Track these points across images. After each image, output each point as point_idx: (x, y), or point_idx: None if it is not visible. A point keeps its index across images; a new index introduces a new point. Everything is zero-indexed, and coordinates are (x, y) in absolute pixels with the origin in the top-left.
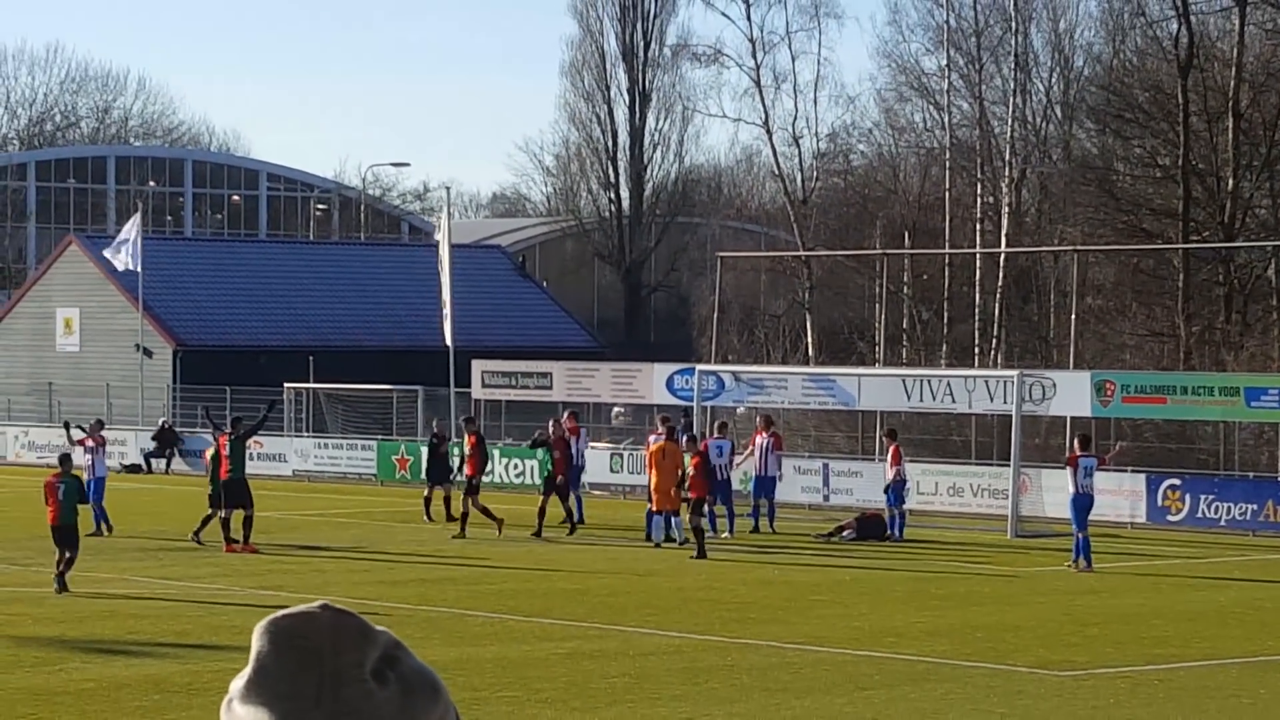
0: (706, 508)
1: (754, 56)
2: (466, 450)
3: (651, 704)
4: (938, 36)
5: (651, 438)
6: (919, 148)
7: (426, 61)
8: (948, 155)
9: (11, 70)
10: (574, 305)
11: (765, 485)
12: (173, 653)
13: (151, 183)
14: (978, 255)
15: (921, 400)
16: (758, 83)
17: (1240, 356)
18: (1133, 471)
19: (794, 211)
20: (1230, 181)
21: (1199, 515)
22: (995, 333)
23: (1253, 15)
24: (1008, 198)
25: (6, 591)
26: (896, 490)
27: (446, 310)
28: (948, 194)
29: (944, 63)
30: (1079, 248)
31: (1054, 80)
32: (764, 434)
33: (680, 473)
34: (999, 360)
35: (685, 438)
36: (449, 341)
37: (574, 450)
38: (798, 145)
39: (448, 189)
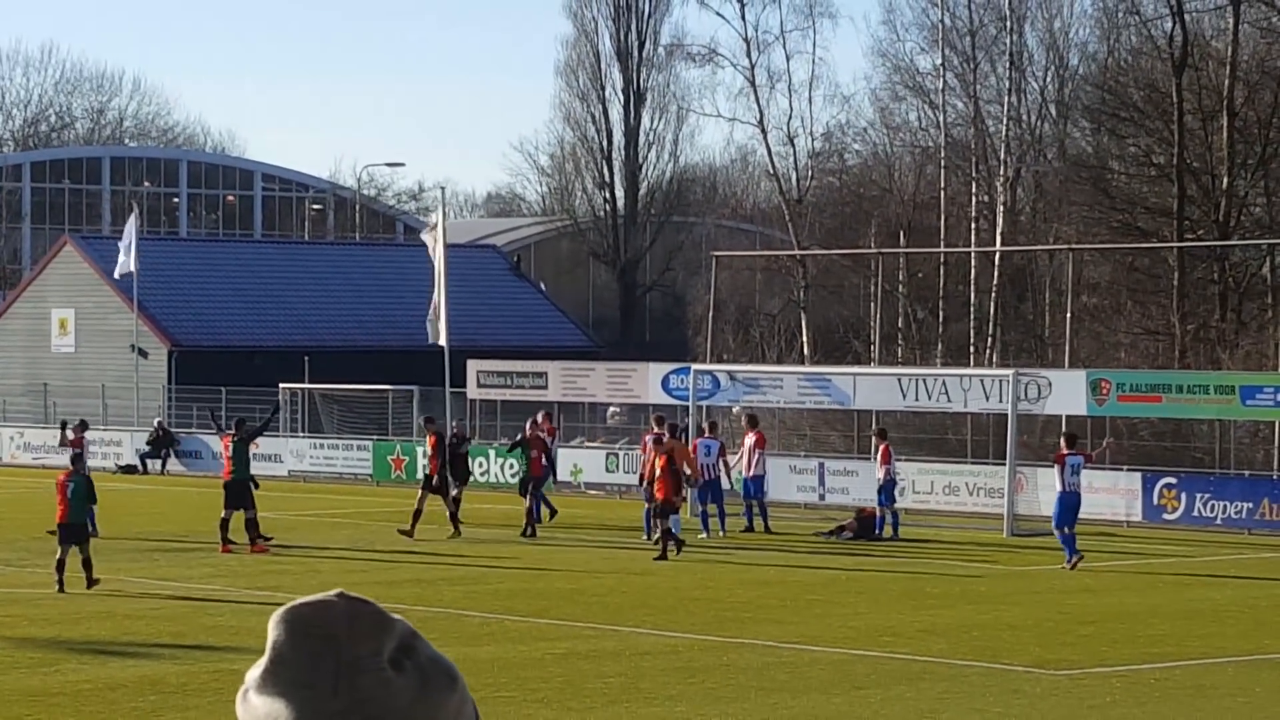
0: (701, 508)
1: (748, 56)
2: (428, 450)
3: (648, 704)
4: (932, 35)
5: (648, 437)
6: (914, 147)
7: (421, 61)
8: (943, 154)
9: (6, 71)
10: (569, 305)
11: (754, 484)
12: (169, 653)
13: (146, 183)
14: (973, 254)
15: (917, 399)
16: (752, 82)
17: (1235, 355)
18: (1128, 470)
19: (789, 210)
20: (1225, 180)
21: (1195, 514)
22: (990, 331)
23: (1247, 13)
24: (1003, 196)
25: (3, 593)
26: (887, 490)
27: (441, 310)
28: (943, 193)
29: (939, 62)
30: (1074, 246)
31: (1049, 79)
32: (751, 434)
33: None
34: (994, 359)
35: (651, 438)
36: (442, 341)
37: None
38: (792, 144)
39: (443, 189)
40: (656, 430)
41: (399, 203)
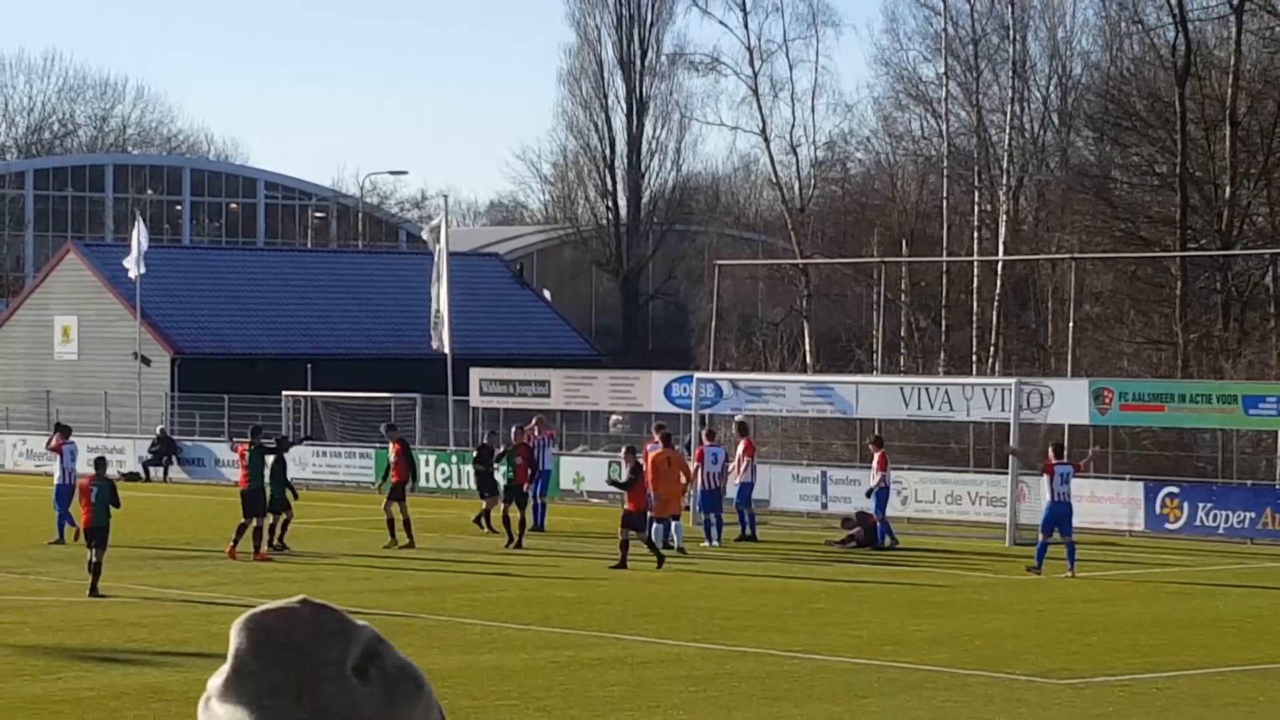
0: (705, 517)
1: (751, 65)
2: (391, 457)
3: (650, 712)
4: (935, 44)
5: (649, 446)
6: (917, 156)
7: (424, 69)
8: (945, 163)
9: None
10: (572, 313)
11: (745, 491)
12: (171, 661)
13: (149, 191)
14: (975, 263)
15: (919, 408)
16: (755, 91)
17: (1238, 364)
18: (1131, 479)
19: (792, 219)
20: (1228, 189)
21: (1197, 523)
22: (993, 340)
23: (1250, 22)
24: (1005, 205)
25: (5, 600)
26: (881, 497)
27: (443, 317)
28: (945, 202)
29: (941, 71)
30: (1077, 255)
31: (1051, 88)
32: (742, 441)
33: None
34: (997, 368)
35: (625, 448)
36: (446, 349)
37: (543, 455)
38: (795, 153)
39: (445, 197)
40: (657, 439)
41: (402, 211)
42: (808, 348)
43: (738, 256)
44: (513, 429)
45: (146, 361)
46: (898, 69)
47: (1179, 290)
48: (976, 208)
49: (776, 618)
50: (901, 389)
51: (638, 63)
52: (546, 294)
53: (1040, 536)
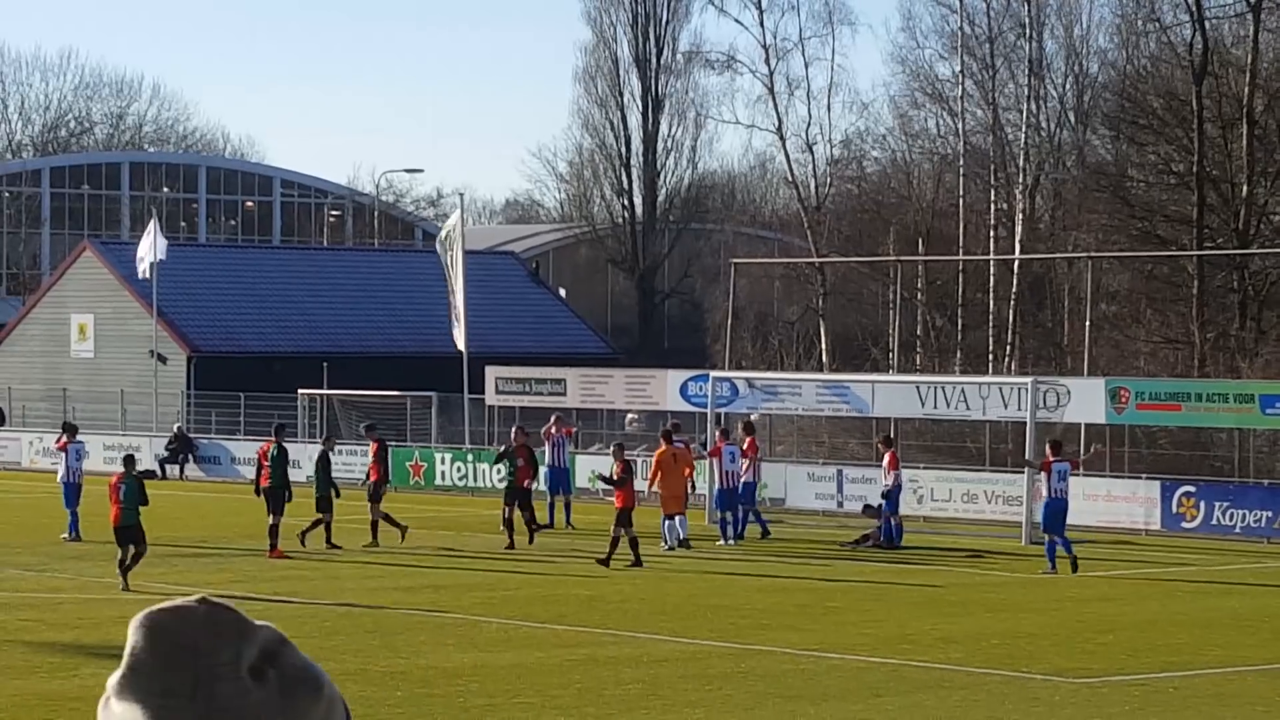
0: (720, 515)
1: (767, 63)
2: (370, 458)
3: (665, 711)
4: (951, 43)
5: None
6: (933, 154)
7: (440, 68)
8: (962, 161)
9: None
10: (587, 311)
11: (747, 491)
12: None
13: (166, 189)
14: (991, 261)
15: (935, 407)
16: (771, 89)
17: (1255, 363)
18: (1147, 479)
19: (808, 218)
20: (1244, 188)
21: (1213, 522)
22: (1009, 339)
23: (1267, 21)
24: (1022, 204)
25: (21, 597)
26: (893, 497)
27: (459, 315)
28: (962, 200)
29: (958, 69)
30: (1093, 254)
31: (1068, 86)
32: (747, 440)
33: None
34: (1013, 367)
35: (614, 445)
36: (461, 346)
37: (562, 453)
38: (811, 151)
39: (461, 195)
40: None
41: (417, 209)
42: (824, 346)
43: (753, 255)
44: (513, 429)
45: (163, 359)
46: (914, 67)
47: (1195, 289)
48: (993, 206)
49: (792, 616)
50: (917, 388)
51: (653, 61)
52: (562, 292)
53: (1046, 537)
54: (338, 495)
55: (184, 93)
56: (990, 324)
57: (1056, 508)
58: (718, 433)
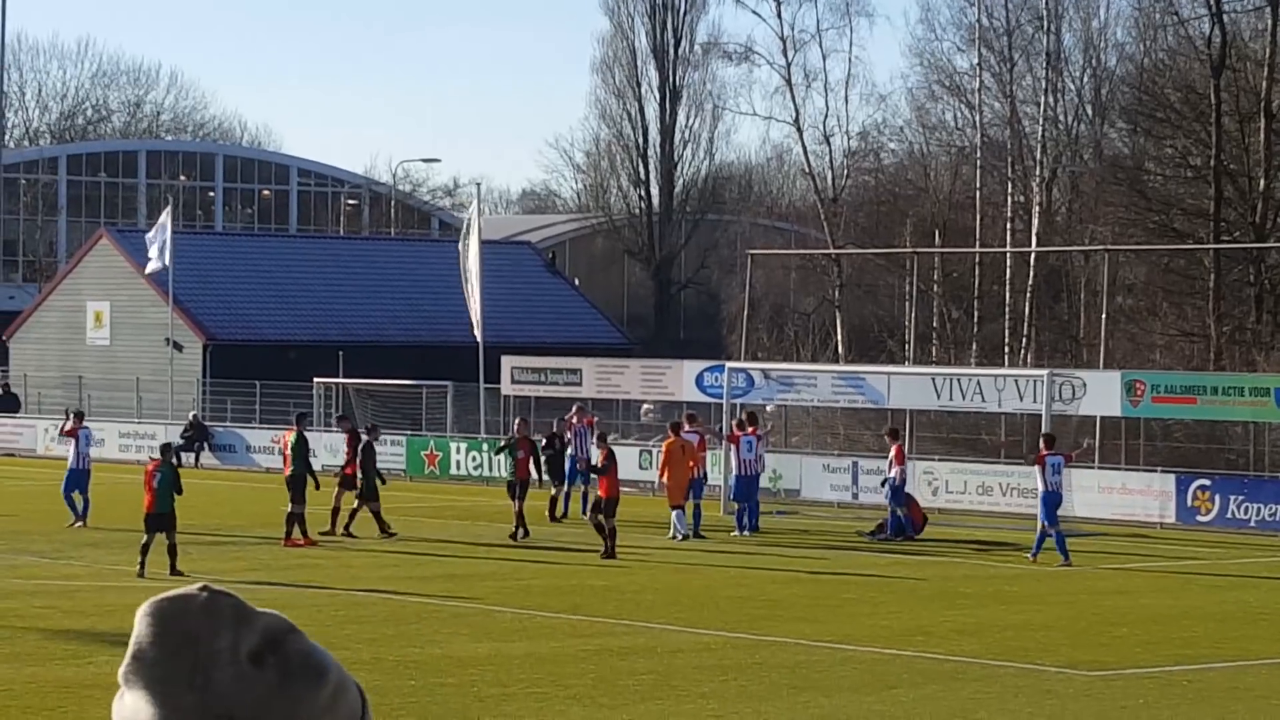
0: (737, 506)
1: (785, 54)
2: (345, 448)
3: (679, 701)
4: (969, 35)
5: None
6: (950, 146)
7: (457, 58)
8: (979, 154)
9: (43, 64)
10: (604, 302)
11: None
12: None
13: (182, 177)
14: (1008, 254)
15: (951, 399)
16: (788, 81)
17: (1271, 357)
18: (1162, 472)
19: (824, 209)
20: (1262, 181)
21: (1229, 516)
22: (1025, 332)
23: None
24: (1038, 197)
25: (37, 585)
26: (898, 490)
27: (475, 304)
28: (978, 193)
29: (975, 61)
30: (1110, 247)
31: (1085, 79)
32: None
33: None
34: (1029, 359)
35: (596, 435)
36: (479, 336)
37: (583, 443)
38: (828, 143)
39: (478, 185)
40: (689, 427)
41: (434, 199)
42: (839, 338)
43: (770, 246)
44: (515, 421)
45: (179, 347)
46: (931, 59)
47: (1212, 283)
48: (1009, 199)
49: (806, 607)
50: (933, 380)
51: (671, 52)
52: (578, 283)
53: (1052, 530)
54: (384, 483)
55: (201, 82)
56: (1006, 316)
57: (1053, 501)
58: (733, 423)
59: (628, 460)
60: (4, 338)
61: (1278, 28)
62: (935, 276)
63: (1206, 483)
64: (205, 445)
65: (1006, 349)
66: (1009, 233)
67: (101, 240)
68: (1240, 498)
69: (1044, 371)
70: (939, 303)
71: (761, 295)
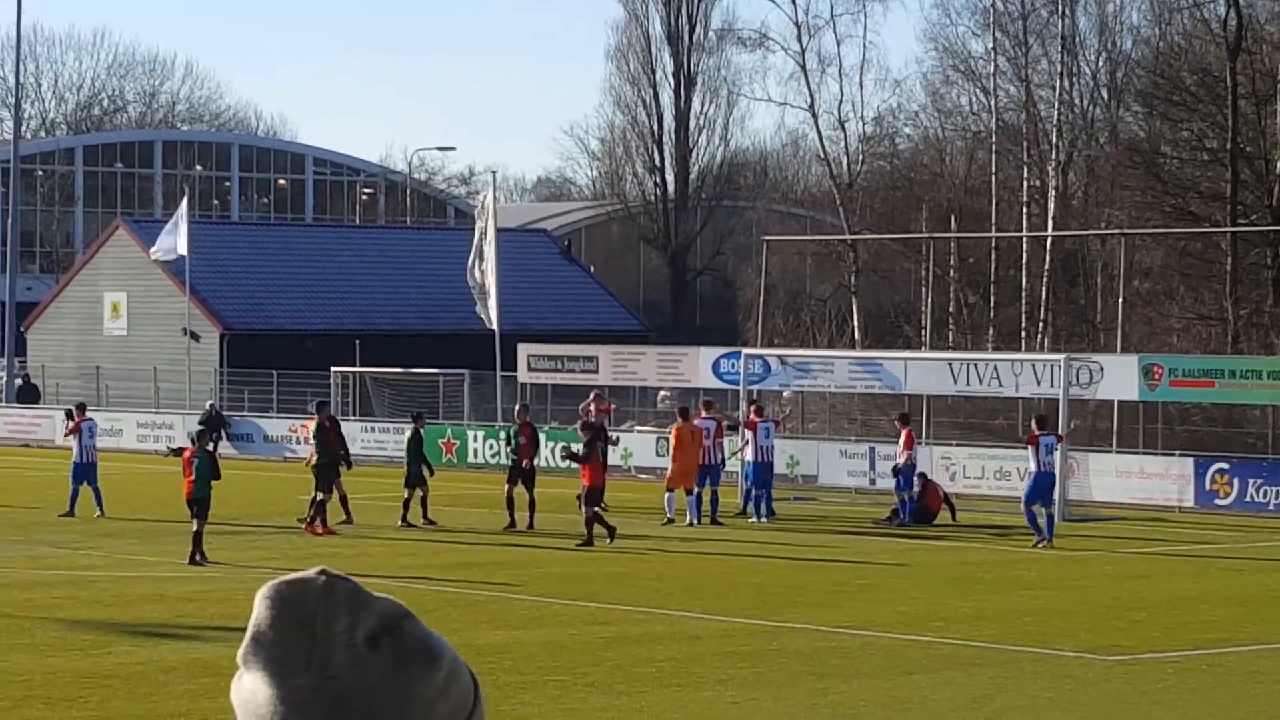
0: (755, 493)
1: (799, 40)
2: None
3: (698, 688)
4: (984, 19)
5: (697, 421)
6: (965, 131)
7: (472, 46)
8: (994, 138)
9: (59, 55)
10: (620, 289)
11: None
12: (221, 636)
13: (198, 167)
14: (1024, 239)
15: (968, 384)
16: (803, 66)
17: None
18: (1180, 455)
19: (840, 195)
20: (1279, 164)
21: (1247, 499)
22: (1042, 316)
23: None
24: (1054, 181)
25: (56, 575)
26: (906, 475)
27: (490, 293)
28: (994, 177)
29: (990, 46)
30: (1126, 231)
31: (1101, 63)
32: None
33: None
34: (1046, 344)
35: (581, 423)
36: (494, 325)
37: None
38: (843, 129)
39: (493, 173)
40: (706, 414)
41: (450, 187)
42: (856, 324)
43: (786, 232)
44: (516, 407)
45: (195, 337)
46: (946, 44)
47: (1229, 266)
48: (1025, 183)
49: (824, 593)
50: (950, 365)
51: (686, 38)
52: (593, 270)
53: (1025, 508)
54: (430, 473)
55: (216, 71)
56: (1023, 301)
57: (1045, 481)
58: (752, 409)
59: (645, 447)
60: (22, 329)
61: None
62: (951, 261)
63: (1225, 466)
64: (223, 435)
65: (1023, 334)
66: (1025, 217)
67: (118, 231)
68: (1259, 481)
69: (1061, 356)
70: (955, 288)
71: (777, 281)
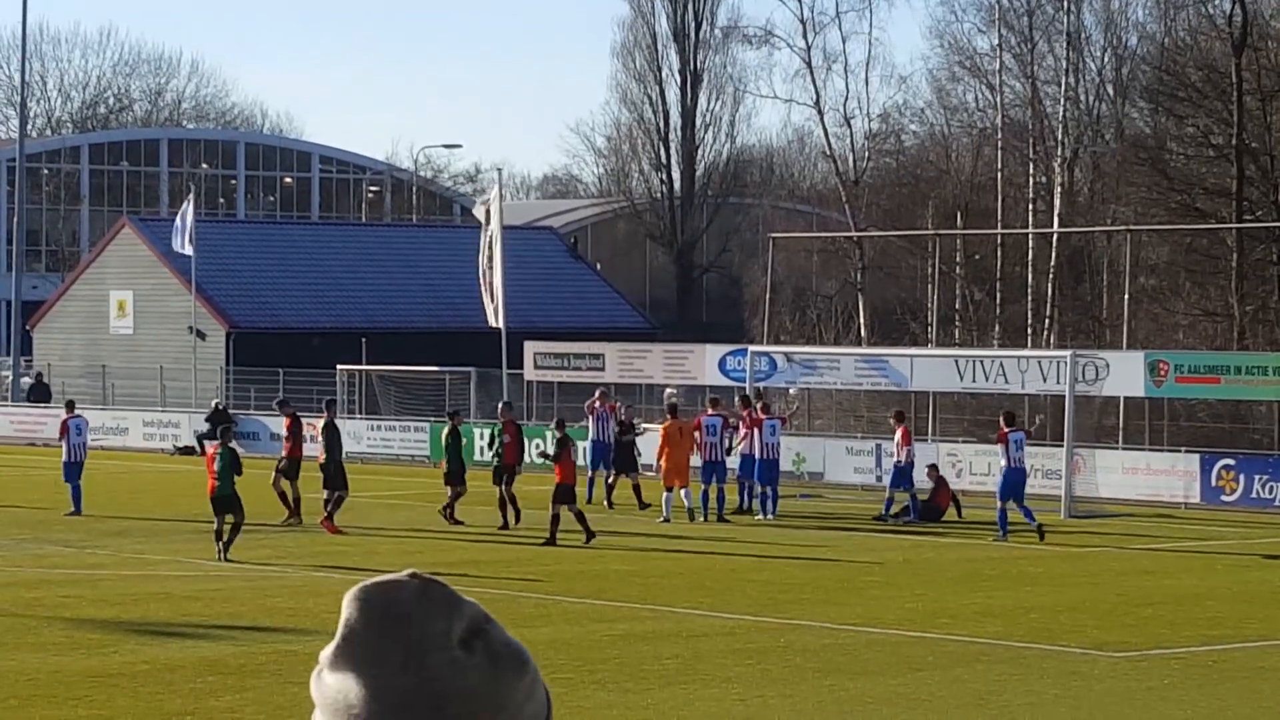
0: (761, 490)
1: (805, 37)
2: (284, 433)
3: (705, 685)
4: (990, 15)
5: (702, 419)
6: (971, 127)
7: (478, 43)
8: (1000, 135)
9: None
10: (626, 286)
11: (748, 464)
12: (226, 634)
13: (204, 165)
14: (1030, 235)
15: (974, 381)
16: (809, 63)
17: None
18: (1186, 452)
19: (846, 192)
20: None
21: (1253, 495)
22: (1048, 313)
23: None
24: (1060, 177)
25: (63, 574)
26: (905, 473)
27: (497, 291)
28: (1000, 174)
29: (996, 42)
30: (1132, 227)
31: (1106, 59)
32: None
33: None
34: (1052, 340)
35: (556, 420)
36: (498, 324)
37: (604, 429)
38: (849, 125)
39: (499, 170)
40: (713, 411)
41: (456, 184)
42: (862, 320)
43: (792, 229)
44: (499, 405)
45: (202, 336)
46: (952, 40)
47: (1235, 262)
48: (1031, 180)
49: (830, 591)
50: (956, 362)
51: (692, 35)
52: (599, 267)
53: (999, 504)
54: (463, 469)
55: (222, 69)
56: (1029, 298)
57: (1016, 478)
58: (758, 406)
59: (650, 445)
60: (28, 327)
61: None
62: (957, 258)
63: (1231, 462)
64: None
65: (1029, 330)
66: (1031, 214)
67: (124, 229)
68: (1265, 477)
69: (1067, 353)
70: (961, 284)
71: (783, 278)
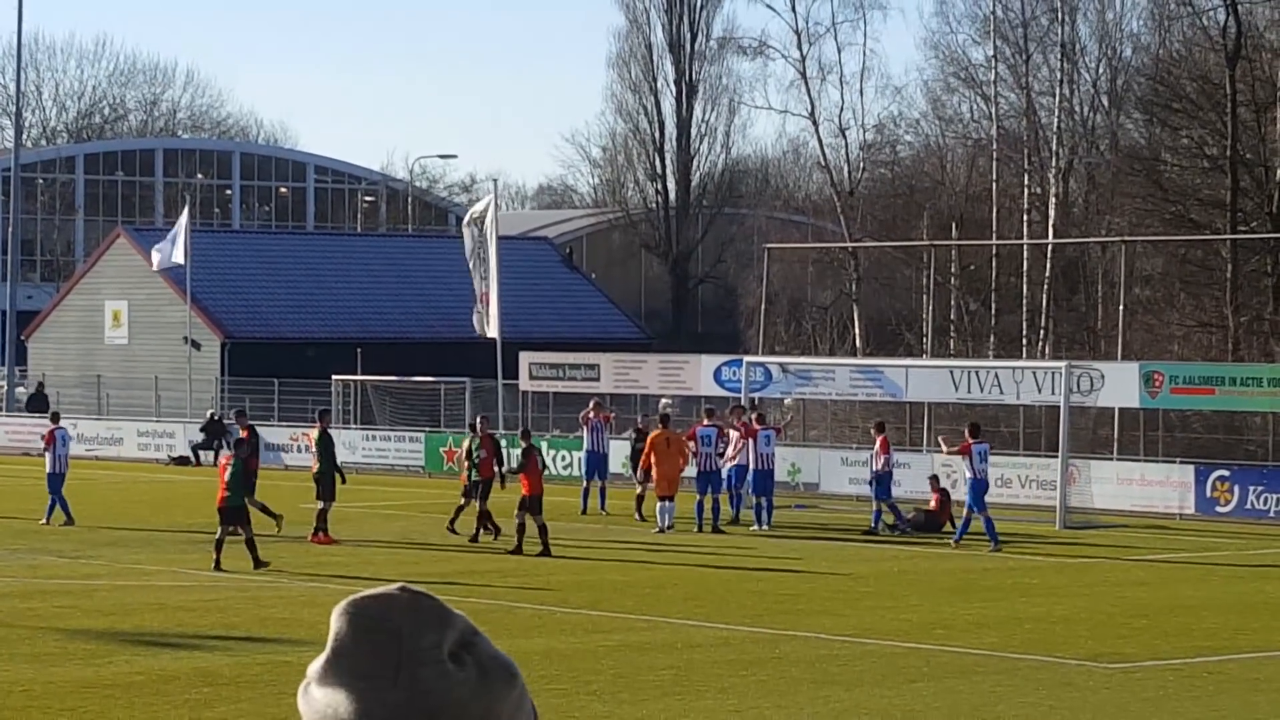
0: (755, 500)
1: (800, 48)
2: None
3: (699, 696)
4: (984, 27)
5: (697, 429)
6: (966, 138)
7: (473, 53)
8: (995, 146)
9: (60, 63)
10: (621, 297)
11: (737, 474)
12: (221, 645)
13: (199, 175)
14: (1025, 246)
15: (969, 391)
16: (803, 74)
17: None
18: (1181, 463)
19: (841, 202)
20: (1278, 171)
21: (1248, 506)
22: (1043, 324)
23: None
24: (1055, 188)
25: (56, 584)
26: (883, 482)
27: (491, 301)
28: (995, 185)
29: (991, 53)
30: (1126, 238)
31: (1101, 70)
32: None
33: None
34: (1047, 351)
35: (521, 430)
36: (491, 333)
37: (599, 439)
38: (844, 136)
39: (495, 181)
40: (708, 421)
41: (451, 195)
42: (857, 331)
43: (787, 240)
44: (477, 418)
45: (197, 346)
46: (947, 52)
47: (1229, 273)
48: (1026, 190)
49: (825, 601)
50: (951, 372)
51: (687, 46)
52: (594, 277)
53: (980, 515)
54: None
55: (217, 79)
56: (1024, 308)
57: (981, 488)
58: (753, 416)
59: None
60: (23, 337)
61: None
62: (952, 269)
63: (1226, 473)
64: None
65: (1024, 341)
66: (1026, 224)
67: (119, 239)
68: (1260, 488)
69: (1062, 363)
70: (956, 295)
71: (779, 289)
